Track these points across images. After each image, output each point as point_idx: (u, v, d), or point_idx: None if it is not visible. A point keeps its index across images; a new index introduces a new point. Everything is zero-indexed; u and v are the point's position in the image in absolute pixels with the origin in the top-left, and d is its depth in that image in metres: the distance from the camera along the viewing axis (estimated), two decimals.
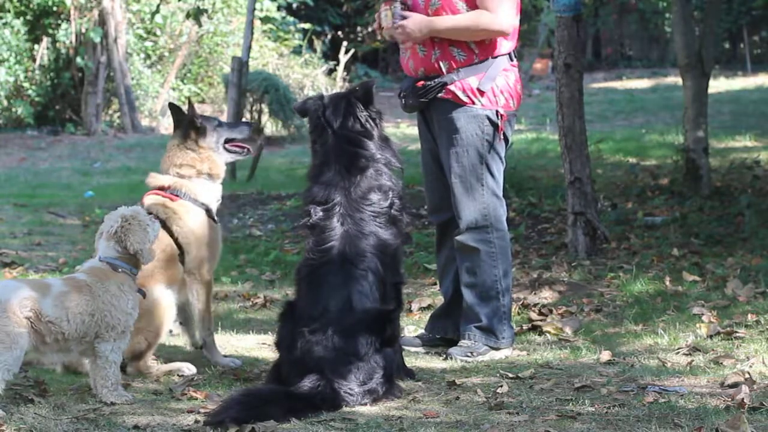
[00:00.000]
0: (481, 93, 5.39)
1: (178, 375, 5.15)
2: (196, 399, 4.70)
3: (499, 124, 5.43)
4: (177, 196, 5.29)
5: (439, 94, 5.40)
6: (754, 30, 26.60)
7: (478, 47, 5.38)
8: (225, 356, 5.43)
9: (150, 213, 5.02)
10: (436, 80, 5.38)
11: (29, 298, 4.43)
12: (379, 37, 5.94)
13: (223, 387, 4.94)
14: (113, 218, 4.75)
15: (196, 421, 4.31)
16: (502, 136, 5.47)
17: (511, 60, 5.50)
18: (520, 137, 15.72)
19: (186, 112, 5.44)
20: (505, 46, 5.45)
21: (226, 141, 5.48)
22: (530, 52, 20.94)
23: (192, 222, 5.27)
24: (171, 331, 5.98)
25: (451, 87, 5.38)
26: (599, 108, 19.00)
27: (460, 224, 5.49)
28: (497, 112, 5.42)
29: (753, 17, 25.34)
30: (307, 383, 4.52)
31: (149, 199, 5.28)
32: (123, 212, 4.75)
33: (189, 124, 5.40)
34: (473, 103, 5.39)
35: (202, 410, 4.45)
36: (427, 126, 5.63)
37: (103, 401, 4.60)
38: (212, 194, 5.40)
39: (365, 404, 4.56)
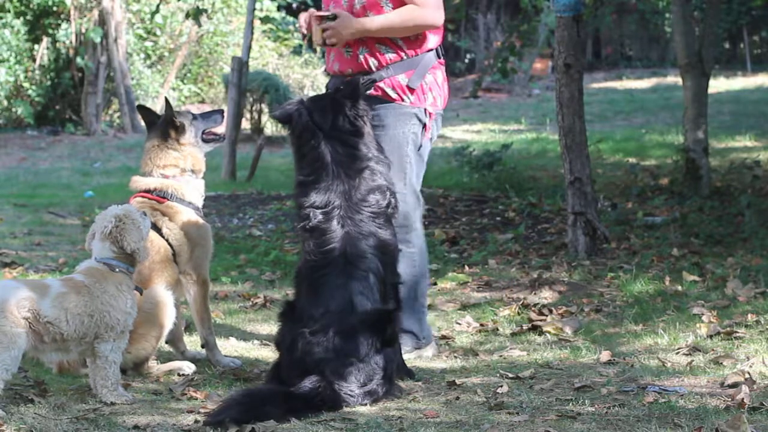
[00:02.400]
0: (411, 90, 5.33)
1: (178, 374, 5.15)
2: (196, 399, 4.70)
3: (427, 122, 5.39)
4: (164, 198, 5.29)
5: (368, 92, 5.29)
6: (754, 30, 26.59)
7: (405, 43, 5.32)
8: (225, 356, 5.43)
9: None
10: (365, 77, 5.28)
11: (28, 298, 4.43)
12: (312, 46, 5.91)
13: (223, 387, 4.94)
14: (106, 218, 4.74)
15: (196, 421, 4.31)
16: (428, 136, 5.43)
17: (438, 57, 5.44)
18: (520, 137, 15.73)
19: (154, 112, 5.45)
20: (432, 41, 5.39)
21: (203, 132, 5.48)
22: (530, 52, 20.92)
23: (182, 223, 5.26)
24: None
25: (381, 83, 5.32)
26: (599, 108, 19.00)
27: None
28: (425, 110, 5.38)
29: (753, 17, 25.33)
30: (308, 384, 4.51)
31: (136, 203, 5.24)
32: (116, 212, 4.74)
33: (168, 124, 5.38)
34: (402, 100, 5.34)
35: (202, 410, 4.45)
36: None
37: (103, 401, 4.60)
38: (197, 191, 5.40)
39: (365, 405, 4.56)
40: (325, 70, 5.67)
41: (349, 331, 4.64)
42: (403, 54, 5.33)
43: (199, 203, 5.39)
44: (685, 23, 10.20)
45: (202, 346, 5.43)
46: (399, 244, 5.35)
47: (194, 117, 5.48)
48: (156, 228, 5.16)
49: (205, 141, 5.48)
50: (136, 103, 6.23)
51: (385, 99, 5.34)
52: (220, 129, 5.68)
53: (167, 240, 5.21)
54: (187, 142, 5.39)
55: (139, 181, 5.37)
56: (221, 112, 5.69)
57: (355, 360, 4.60)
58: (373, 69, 5.33)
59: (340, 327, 4.63)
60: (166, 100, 5.49)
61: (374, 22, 5.25)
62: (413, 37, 5.33)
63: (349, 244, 4.77)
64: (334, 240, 4.78)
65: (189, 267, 5.29)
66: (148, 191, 5.31)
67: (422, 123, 5.38)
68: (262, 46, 20.78)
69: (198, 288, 5.32)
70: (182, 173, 5.36)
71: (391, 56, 5.32)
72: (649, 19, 26.04)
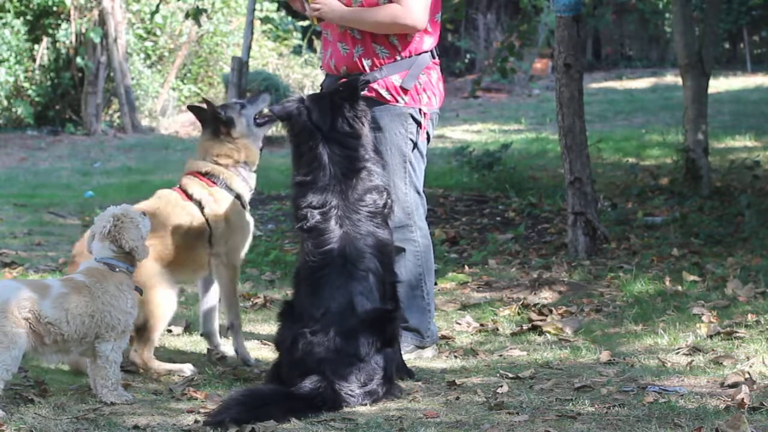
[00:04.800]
0: (405, 91, 5.35)
1: (178, 375, 5.15)
2: (196, 399, 4.70)
3: (422, 122, 5.41)
4: (214, 182, 5.33)
5: (362, 93, 5.27)
6: (754, 30, 26.56)
7: (401, 44, 5.34)
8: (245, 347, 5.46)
9: (187, 194, 5.18)
10: (360, 78, 5.27)
11: (28, 299, 4.43)
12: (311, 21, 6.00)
13: (223, 387, 4.94)
14: (105, 218, 4.76)
15: (196, 421, 4.32)
16: (425, 135, 5.44)
17: (434, 57, 5.46)
18: (520, 137, 15.72)
19: (205, 109, 5.46)
20: (428, 42, 5.41)
21: (255, 117, 5.48)
22: (530, 52, 20.88)
23: (224, 207, 5.31)
24: (170, 331, 5.99)
25: (374, 85, 5.33)
26: (599, 108, 18.98)
27: None
28: (420, 110, 5.39)
29: (753, 17, 25.30)
30: (308, 384, 4.52)
31: (188, 180, 5.33)
32: (113, 211, 4.77)
33: (215, 120, 5.40)
34: (396, 101, 5.35)
35: (202, 410, 4.45)
36: None
37: (103, 401, 4.60)
38: (246, 183, 5.44)
39: (365, 405, 4.56)
40: (321, 67, 5.69)
41: (350, 331, 4.64)
42: (397, 55, 5.34)
43: (247, 196, 5.43)
44: (685, 23, 10.20)
45: (228, 329, 5.44)
46: (403, 243, 5.37)
47: (242, 106, 5.49)
48: (199, 205, 5.24)
49: (258, 125, 5.48)
50: (187, 104, 6.23)
51: (380, 101, 5.35)
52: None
53: (206, 219, 5.26)
54: (239, 135, 5.41)
55: (194, 163, 5.43)
56: (268, 90, 5.69)
57: (356, 360, 4.61)
58: (367, 69, 5.34)
59: (341, 327, 4.64)
60: (206, 100, 5.51)
61: (356, 12, 5.29)
62: (409, 38, 5.34)
63: (348, 244, 4.78)
64: (332, 240, 4.78)
65: (222, 251, 5.31)
66: (199, 173, 5.35)
67: (418, 122, 5.39)
68: (262, 46, 20.77)
69: (228, 272, 5.36)
70: (235, 164, 5.39)
71: (385, 56, 5.33)
72: (649, 19, 26.02)
